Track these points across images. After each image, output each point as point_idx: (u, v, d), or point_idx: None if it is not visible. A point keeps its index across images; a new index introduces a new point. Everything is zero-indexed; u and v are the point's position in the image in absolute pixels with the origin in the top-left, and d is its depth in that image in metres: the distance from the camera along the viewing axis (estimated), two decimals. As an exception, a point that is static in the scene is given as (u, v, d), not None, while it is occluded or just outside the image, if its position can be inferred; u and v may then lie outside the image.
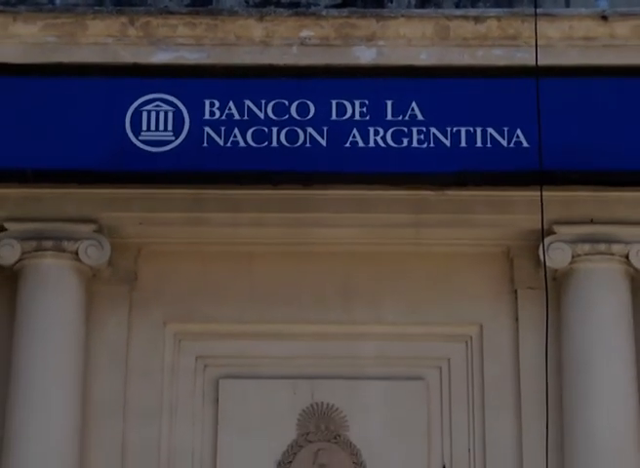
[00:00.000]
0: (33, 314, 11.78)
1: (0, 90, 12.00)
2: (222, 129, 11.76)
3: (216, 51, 12.26)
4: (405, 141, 11.72)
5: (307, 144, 11.76)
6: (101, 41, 12.13)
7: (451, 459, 12.01)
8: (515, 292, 12.36)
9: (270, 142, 11.78)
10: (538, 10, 11.50)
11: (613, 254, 11.89)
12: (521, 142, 11.71)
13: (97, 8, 12.10)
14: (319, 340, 12.35)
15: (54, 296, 11.87)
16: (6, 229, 11.85)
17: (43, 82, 12.05)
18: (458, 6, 12.50)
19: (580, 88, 12.01)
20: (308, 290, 12.44)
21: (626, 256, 11.87)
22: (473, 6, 12.41)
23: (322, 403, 12.12)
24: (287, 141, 11.76)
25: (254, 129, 11.75)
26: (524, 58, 11.70)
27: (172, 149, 11.70)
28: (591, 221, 11.81)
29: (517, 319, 12.30)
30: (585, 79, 12.05)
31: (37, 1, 12.30)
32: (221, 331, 12.49)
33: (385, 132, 11.73)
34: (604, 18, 11.82)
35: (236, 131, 11.76)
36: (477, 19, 11.89)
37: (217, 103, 11.84)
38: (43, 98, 11.98)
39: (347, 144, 11.77)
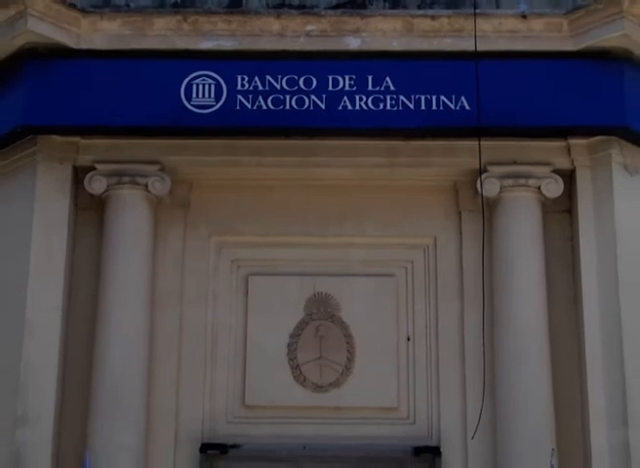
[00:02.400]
0: (116, 230, 15.02)
1: (92, 69, 15.09)
2: (250, 96, 14.82)
3: (245, 40, 15.28)
4: (381, 105, 14.82)
5: (311, 108, 14.80)
6: (163, 33, 15.22)
7: (414, 333, 15.30)
8: (460, 213, 15.57)
9: (285, 106, 14.80)
10: (476, 10, 14.64)
11: (529, 187, 15.08)
12: (464, 106, 14.78)
13: (160, 9, 15.43)
14: (320, 248, 15.57)
15: (136, 217, 15.17)
16: (96, 168, 15.13)
17: (122, 63, 15.17)
18: (419, 7, 15.58)
19: (507, 67, 15.13)
20: (313, 212, 15.59)
21: (539, 188, 15.10)
22: (431, 7, 15.51)
23: (322, 292, 15.42)
24: (296, 105, 14.78)
25: (272, 96, 14.79)
26: (467, 45, 14.63)
27: (213, 111, 14.75)
28: (514, 163, 15.12)
29: (461, 233, 15.56)
30: (511, 61, 15.16)
31: (116, 4, 15.52)
32: (250, 242, 15.69)
33: (367, 98, 14.80)
34: (524, 16, 15.04)
35: (260, 98, 14.83)
36: (433, 17, 15.03)
37: (246, 78, 14.88)
38: (122, 75, 15.05)
39: (340, 108, 14.83)
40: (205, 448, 15.09)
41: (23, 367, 14.71)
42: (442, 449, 14.97)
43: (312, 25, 15.44)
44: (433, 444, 15.07)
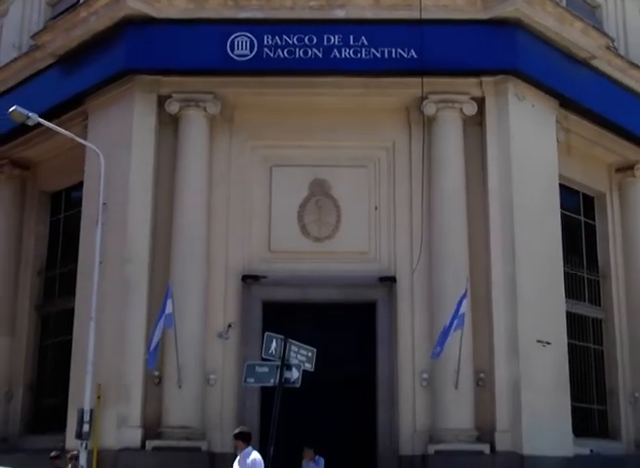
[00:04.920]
0: (185, 134, 19.94)
1: (169, 30, 20.00)
2: (272, 49, 19.80)
3: (269, 12, 20.18)
4: (359, 55, 19.78)
5: (312, 56, 19.71)
6: (215, 7, 20.19)
7: (379, 205, 20.48)
8: (410, 125, 20.72)
9: (295, 55, 19.75)
10: None
11: (454, 108, 20.32)
12: (413, 56, 19.76)
13: None
14: (319, 149, 20.50)
15: (197, 128, 20.09)
16: (172, 96, 20.07)
17: (188, 27, 20.06)
18: None
19: (441, 30, 20.09)
20: (314, 125, 20.44)
21: (461, 109, 20.34)
22: None
23: (320, 178, 20.53)
24: (302, 55, 19.74)
25: (287, 48, 19.77)
26: (415, 14, 19.75)
27: (248, 59, 19.74)
28: (445, 92, 20.10)
29: (410, 138, 20.69)
30: (444, 25, 20.10)
31: None
32: (273, 144, 20.69)
33: (350, 50, 19.82)
34: None
35: (278, 50, 19.79)
36: None
37: (269, 37, 19.84)
38: (188, 35, 19.92)
39: (331, 56, 19.74)
40: (244, 278, 20.22)
41: (130, 225, 19.76)
42: (397, 278, 20.32)
43: (313, 2, 20.51)
44: (391, 274, 20.39)
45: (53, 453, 17.97)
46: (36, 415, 23.68)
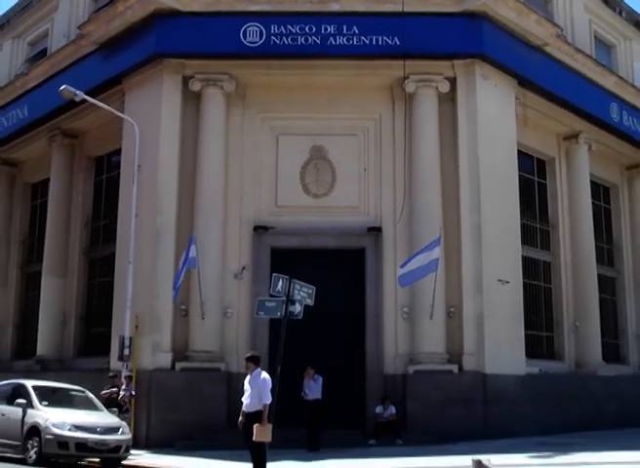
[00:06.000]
0: (206, 108, 19.69)
1: (192, 21, 19.56)
2: (278, 37, 19.40)
3: (276, 5, 19.87)
4: (351, 42, 19.44)
5: (312, 43, 19.41)
6: (230, 1, 19.83)
7: (368, 167, 20.24)
8: (394, 101, 20.35)
9: (297, 42, 19.40)
10: None
11: (431, 86, 20.06)
12: (397, 42, 19.41)
13: None
14: (318, 119, 20.11)
15: (216, 103, 19.93)
16: (194, 77, 19.72)
17: (208, 18, 19.71)
18: None
19: (421, 20, 19.69)
20: (314, 100, 20.12)
21: (437, 88, 20.02)
22: None
23: (318, 144, 20.17)
24: (304, 42, 19.38)
25: (290, 36, 19.40)
26: (398, 8, 19.40)
27: (258, 45, 19.37)
28: (423, 73, 19.71)
29: (394, 112, 20.36)
30: (422, 17, 19.73)
31: None
32: (279, 116, 20.24)
33: (343, 38, 19.46)
34: None
35: (283, 37, 19.44)
36: None
37: (276, 26, 19.43)
38: (208, 25, 19.52)
39: (328, 43, 19.42)
40: (256, 228, 20.10)
41: (160, 184, 19.58)
42: (382, 228, 20.18)
43: None
44: (378, 225, 20.22)
45: (111, 374, 18.43)
46: (86, 341, 23.73)
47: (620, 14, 28.30)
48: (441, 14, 20.17)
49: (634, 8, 29.58)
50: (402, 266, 18.28)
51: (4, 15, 30.52)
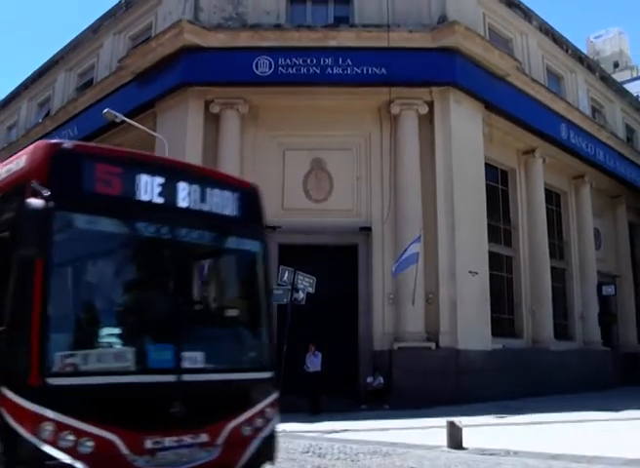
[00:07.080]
0: (224, 127, 19.03)
1: (212, 55, 19.06)
2: (285, 67, 18.97)
3: (283, 42, 19.31)
4: (346, 72, 18.95)
5: (313, 73, 18.89)
6: (245, 39, 19.28)
7: (360, 176, 19.62)
8: (381, 122, 19.67)
9: (301, 71, 18.93)
10: (389, 28, 18.96)
11: (412, 110, 19.54)
12: (384, 72, 18.92)
13: (243, 27, 19.49)
14: (318, 137, 19.44)
15: (232, 123, 19.22)
16: (214, 101, 19.22)
17: (226, 53, 19.25)
18: (364, 26, 19.46)
19: (404, 54, 18.97)
20: (315, 120, 19.43)
21: (417, 110, 19.51)
22: (365, 27, 19.42)
23: (318, 157, 19.64)
24: (307, 71, 18.89)
25: (295, 67, 18.95)
26: (385, 43, 18.82)
27: (268, 75, 18.90)
28: (406, 98, 19.21)
29: (381, 130, 19.80)
30: (405, 51, 19.12)
31: (221, 24, 19.52)
32: (286, 134, 19.69)
33: (339, 68, 18.93)
34: (410, 31, 19.15)
35: (289, 68, 18.99)
36: (369, 31, 19.30)
37: (283, 59, 18.95)
38: (226, 58, 19.12)
39: (327, 72, 18.88)
40: (266, 228, 19.06)
41: None
42: (372, 228, 19.63)
43: (314, 35, 19.64)
44: (368, 225, 19.67)
45: None
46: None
47: (567, 51, 27.96)
48: (420, 49, 19.70)
49: (578, 46, 29.40)
50: (395, 263, 17.90)
51: (60, 51, 29.89)
